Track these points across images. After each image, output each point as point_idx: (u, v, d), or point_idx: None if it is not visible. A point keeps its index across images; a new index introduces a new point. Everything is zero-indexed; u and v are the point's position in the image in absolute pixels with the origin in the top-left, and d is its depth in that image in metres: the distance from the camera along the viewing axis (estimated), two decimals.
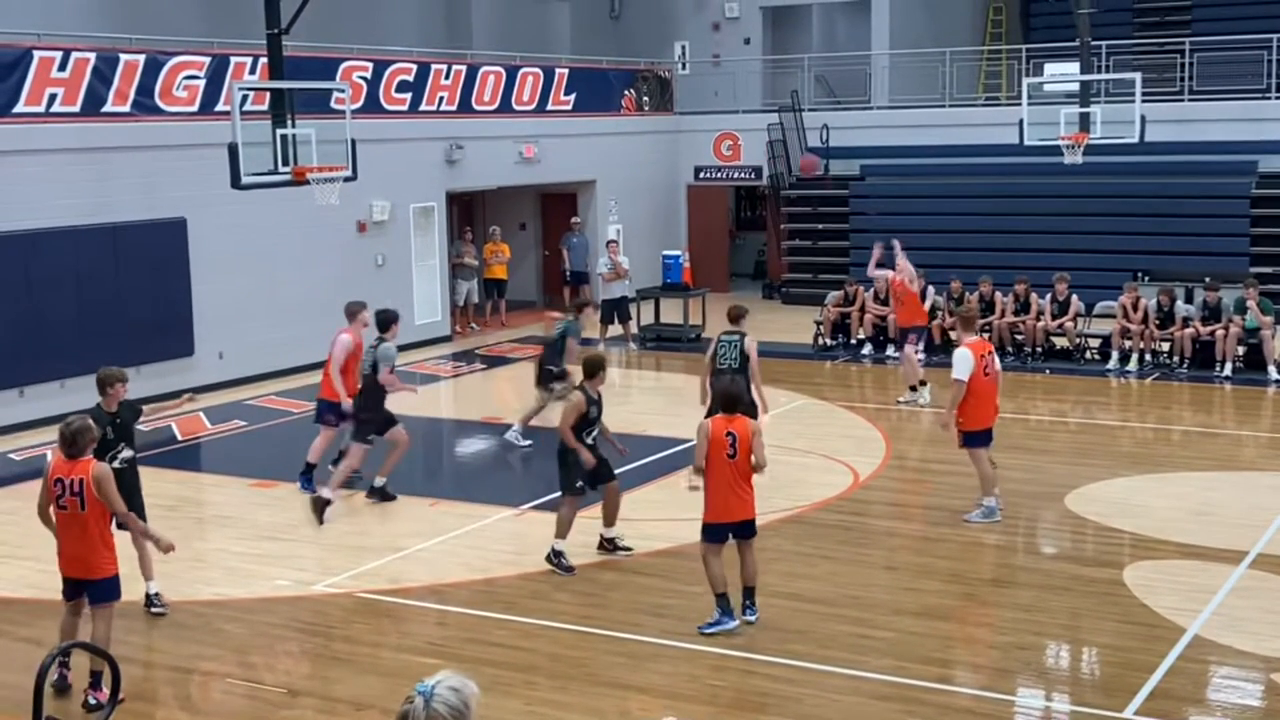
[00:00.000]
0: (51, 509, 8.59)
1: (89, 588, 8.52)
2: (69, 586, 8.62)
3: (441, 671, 3.39)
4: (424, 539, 12.07)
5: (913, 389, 17.59)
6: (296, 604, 10.54)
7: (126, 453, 10.03)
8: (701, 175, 29.34)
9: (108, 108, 17.76)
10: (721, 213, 30.16)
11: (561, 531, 11.08)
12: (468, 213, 27.01)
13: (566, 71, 26.46)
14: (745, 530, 9.71)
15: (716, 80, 29.68)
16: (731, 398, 9.81)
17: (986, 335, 20.87)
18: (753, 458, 9.49)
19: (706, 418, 10.33)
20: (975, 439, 12.19)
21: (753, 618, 9.79)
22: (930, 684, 8.70)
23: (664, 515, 12.61)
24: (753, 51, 30.43)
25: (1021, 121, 21.92)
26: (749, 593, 9.85)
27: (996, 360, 12.49)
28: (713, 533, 9.66)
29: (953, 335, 12.83)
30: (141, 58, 18.19)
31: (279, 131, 15.60)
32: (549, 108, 25.92)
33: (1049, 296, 20.49)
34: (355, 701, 8.68)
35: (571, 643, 9.60)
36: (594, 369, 11.12)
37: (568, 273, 26.48)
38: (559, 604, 10.38)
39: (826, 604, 10.25)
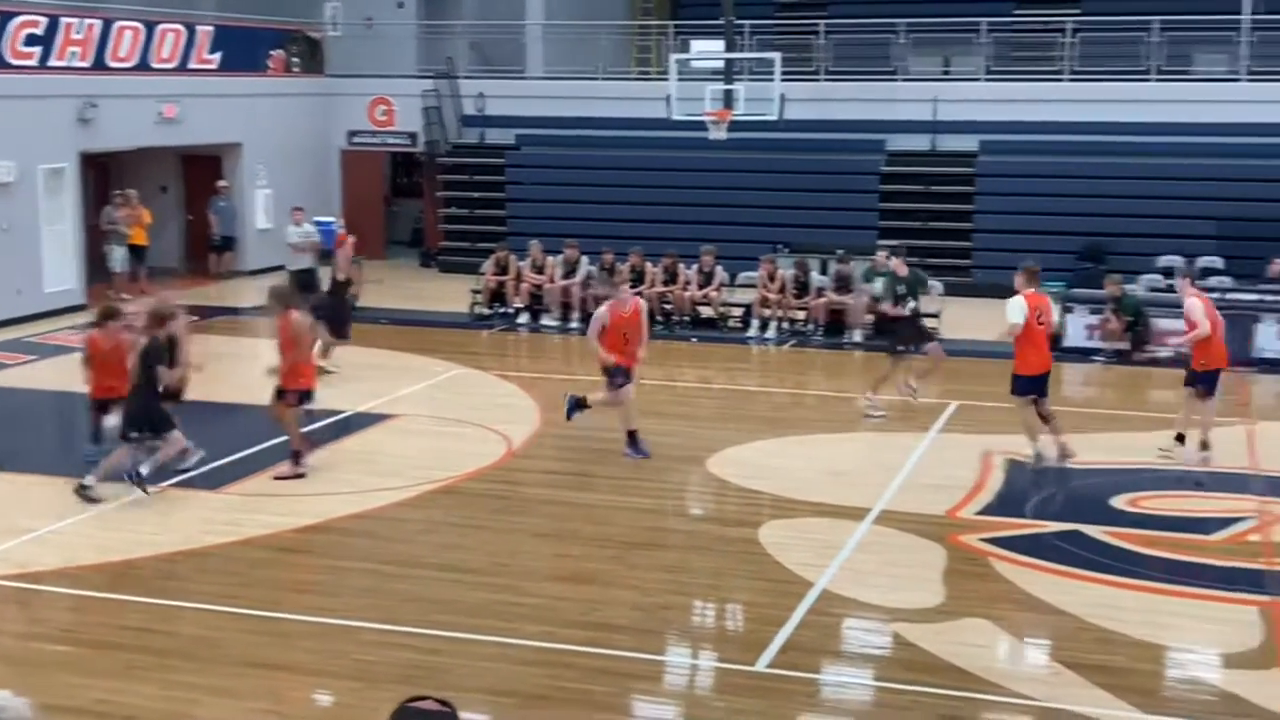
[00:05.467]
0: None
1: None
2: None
3: None
4: (55, 520, 11.42)
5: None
6: None
7: None
8: (355, 140, 28.80)
9: None
10: (376, 179, 29.72)
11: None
12: (104, 175, 25.62)
13: (211, 29, 25.44)
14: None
15: (370, 43, 29.17)
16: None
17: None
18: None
19: None
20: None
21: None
22: (578, 647, 8.91)
23: (310, 490, 12.39)
24: (406, 16, 30.01)
25: (669, 97, 22.52)
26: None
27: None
28: None
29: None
30: None
31: None
32: (191, 66, 24.89)
33: (695, 267, 21.20)
34: None
35: (214, 624, 9.33)
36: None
37: (218, 237, 25.62)
38: (200, 585, 10.06)
39: (477, 573, 10.33)
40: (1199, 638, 9.32)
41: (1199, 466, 13.35)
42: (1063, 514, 11.99)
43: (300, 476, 12.65)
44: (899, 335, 16.11)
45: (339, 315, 17.24)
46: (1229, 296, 19.27)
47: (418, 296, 22.97)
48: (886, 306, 16.22)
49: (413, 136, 28.47)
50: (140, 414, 12.02)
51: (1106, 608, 9.66)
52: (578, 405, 14.07)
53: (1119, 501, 12.35)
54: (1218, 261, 22.08)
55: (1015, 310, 13.33)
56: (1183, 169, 23.84)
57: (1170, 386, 17.59)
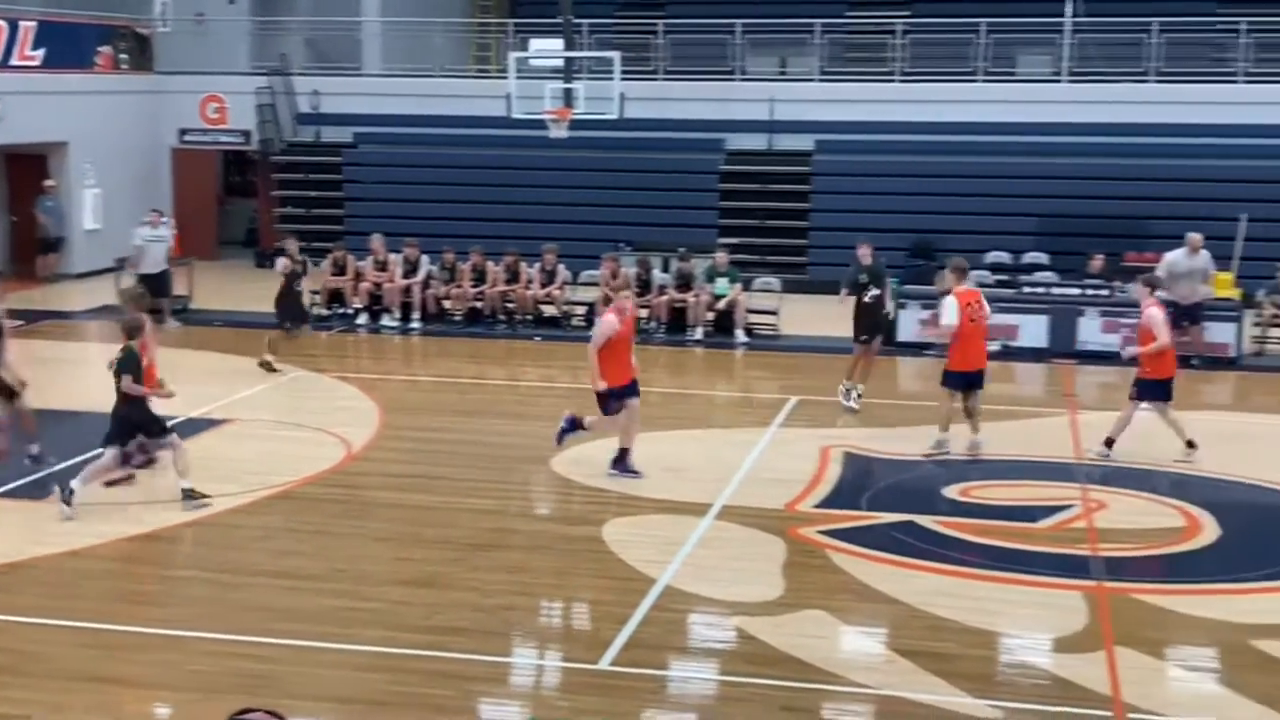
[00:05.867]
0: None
1: None
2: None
3: None
4: None
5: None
6: None
7: None
8: (186, 138, 28.13)
9: None
10: (209, 178, 29.07)
11: None
12: None
13: (34, 24, 24.59)
14: None
15: (201, 39, 28.49)
16: None
17: (480, 304, 21.49)
18: None
19: None
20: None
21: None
22: (419, 651, 8.83)
23: (142, 498, 12.08)
24: (238, 11, 29.38)
25: (509, 95, 22.48)
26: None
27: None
28: None
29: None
30: None
31: None
32: (14, 63, 24.03)
33: (538, 266, 21.18)
34: None
35: (44, 638, 9.03)
36: None
37: (51, 237, 24.84)
38: (29, 598, 9.73)
39: (316, 579, 10.18)
40: (1028, 623, 9.62)
41: (1102, 461, 13.55)
42: (897, 505, 12.28)
43: (130, 479, 12.34)
44: (858, 324, 15.96)
45: (295, 307, 17.95)
46: (1054, 291, 19.95)
47: (253, 298, 22.44)
48: (843, 294, 16.13)
49: (246, 135, 27.94)
50: (127, 420, 11.71)
51: (939, 595, 9.93)
52: (573, 427, 13.13)
53: (951, 492, 12.70)
54: (1042, 257, 22.83)
55: (949, 310, 13.72)
56: (1008, 167, 24.59)
57: (999, 379, 18.12)
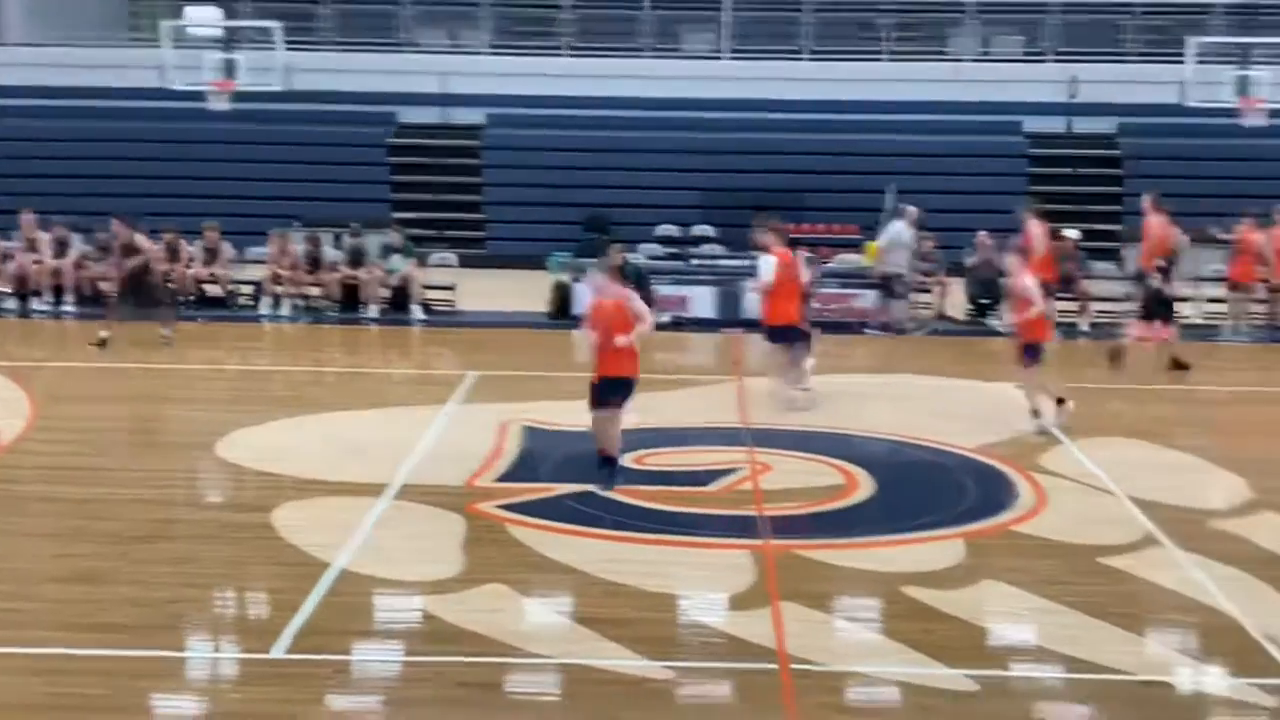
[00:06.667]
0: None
1: None
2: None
3: None
4: None
5: None
6: None
7: None
8: None
9: None
10: None
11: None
12: None
13: None
14: None
15: None
16: None
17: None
18: None
19: None
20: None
21: None
22: (79, 650, 8.41)
23: None
24: None
25: (164, 65, 21.59)
26: None
27: None
28: None
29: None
30: None
31: None
32: None
33: (199, 244, 20.42)
34: None
35: None
36: None
37: None
38: None
39: None
40: (699, 584, 9.92)
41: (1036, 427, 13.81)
42: (576, 476, 12.42)
43: None
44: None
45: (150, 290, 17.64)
46: (720, 263, 20.64)
47: None
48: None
49: None
50: None
51: (616, 562, 10.13)
52: (608, 464, 12.08)
53: (627, 460, 12.94)
54: (709, 230, 23.55)
55: (766, 268, 14.35)
56: (674, 142, 25.25)
57: (669, 349, 18.64)
